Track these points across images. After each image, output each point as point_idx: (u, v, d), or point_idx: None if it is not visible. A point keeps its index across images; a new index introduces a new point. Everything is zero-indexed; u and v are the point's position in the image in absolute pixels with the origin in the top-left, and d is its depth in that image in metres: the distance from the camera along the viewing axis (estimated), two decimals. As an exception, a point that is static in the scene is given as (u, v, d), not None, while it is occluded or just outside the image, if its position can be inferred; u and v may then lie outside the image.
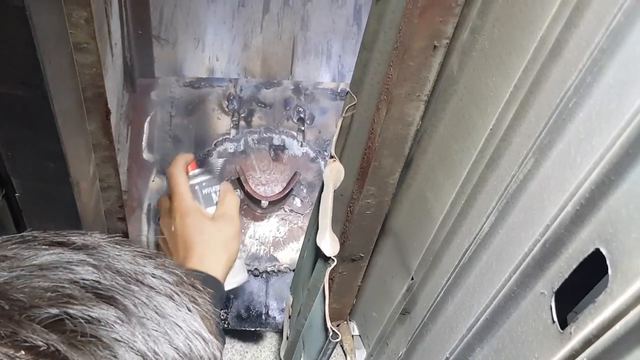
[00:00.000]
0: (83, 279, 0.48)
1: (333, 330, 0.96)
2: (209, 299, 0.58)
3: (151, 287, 0.52)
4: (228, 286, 1.41)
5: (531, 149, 0.78)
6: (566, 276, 0.69)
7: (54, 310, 0.45)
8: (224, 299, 1.38)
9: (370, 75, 1.04)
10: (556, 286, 0.71)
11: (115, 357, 0.45)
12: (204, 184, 1.47)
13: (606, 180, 0.61)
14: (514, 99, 0.83)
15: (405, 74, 0.94)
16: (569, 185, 0.68)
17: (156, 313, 0.50)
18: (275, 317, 1.65)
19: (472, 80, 0.94)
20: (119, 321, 0.47)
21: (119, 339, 0.46)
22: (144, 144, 1.79)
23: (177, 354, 0.50)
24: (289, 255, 1.73)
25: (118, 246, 0.54)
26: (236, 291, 1.59)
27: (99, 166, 1.10)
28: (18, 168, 0.94)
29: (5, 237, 0.53)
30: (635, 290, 0.57)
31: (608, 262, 0.60)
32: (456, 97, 0.98)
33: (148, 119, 1.82)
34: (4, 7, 0.71)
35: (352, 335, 1.65)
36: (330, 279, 1.08)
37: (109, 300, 0.48)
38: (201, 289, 0.58)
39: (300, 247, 1.50)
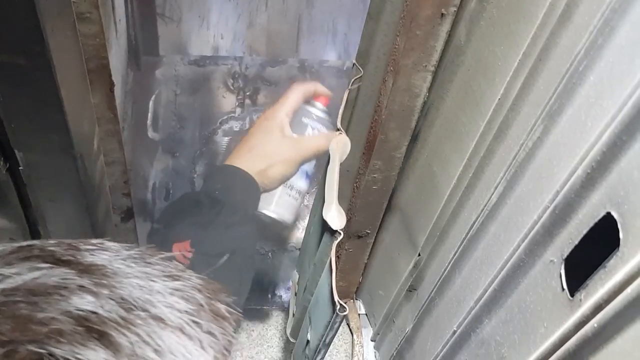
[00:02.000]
0: (77, 309, 0.43)
1: (340, 304, 0.96)
2: (232, 330, 0.53)
3: (159, 318, 0.46)
4: (263, 209, 1.39)
5: (540, 116, 0.77)
6: (576, 242, 0.68)
7: (36, 348, 0.40)
8: (257, 203, 1.32)
9: (376, 46, 1.02)
10: (566, 253, 0.70)
11: None
12: (314, 116, 1.42)
13: (618, 141, 0.60)
14: (523, 67, 0.82)
15: (412, 44, 0.93)
16: (579, 149, 0.67)
17: (155, 352, 0.44)
18: (281, 296, 1.64)
19: (480, 49, 0.92)
20: None
21: None
22: (148, 122, 1.78)
23: None
24: (295, 233, 1.72)
25: (133, 264, 0.49)
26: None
27: (103, 140, 1.09)
28: (21, 140, 0.93)
29: (6, 245, 0.48)
30: (647, 253, 0.56)
31: (619, 226, 0.59)
32: (464, 68, 0.97)
33: (153, 98, 1.81)
34: (5, -27, 0.70)
35: (359, 314, 1.64)
36: (336, 256, 1.07)
37: (101, 337, 0.42)
38: (225, 314, 0.53)
39: (306, 225, 1.49)
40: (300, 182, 1.42)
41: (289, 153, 1.34)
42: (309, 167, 1.43)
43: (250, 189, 1.28)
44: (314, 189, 1.75)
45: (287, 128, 1.36)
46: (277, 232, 1.66)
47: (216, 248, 1.20)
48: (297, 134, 1.39)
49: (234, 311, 0.54)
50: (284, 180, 1.36)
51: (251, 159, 1.30)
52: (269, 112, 1.37)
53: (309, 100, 1.45)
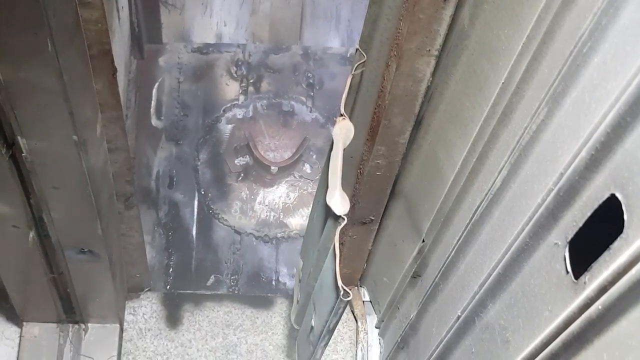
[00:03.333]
0: None
1: (344, 289, 0.95)
2: None
3: None
4: None
5: (544, 99, 0.77)
6: (580, 225, 0.68)
7: None
8: None
9: (379, 31, 1.02)
10: (570, 236, 0.70)
11: None
12: None
13: (622, 122, 0.59)
14: (527, 50, 0.82)
15: (416, 28, 0.93)
16: (583, 131, 0.67)
17: None
18: (285, 283, 1.64)
19: (483, 33, 0.92)
20: None
21: None
22: (152, 110, 1.78)
23: None
24: (299, 221, 1.72)
25: None
26: (246, 257, 1.54)
27: (106, 127, 1.09)
28: (24, 126, 0.93)
29: None
30: (651, 234, 0.56)
31: (624, 207, 0.59)
32: (467, 52, 0.97)
33: (156, 85, 1.81)
34: (6, -43, 0.70)
35: (363, 301, 1.64)
36: (340, 243, 1.07)
37: None
38: None
39: (310, 212, 1.49)
40: None
41: None
42: None
43: None
44: (317, 177, 1.75)
45: None
46: None
47: None
48: None
49: None
50: None
51: None
52: None
53: None
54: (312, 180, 1.75)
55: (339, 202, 1.00)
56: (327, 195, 1.01)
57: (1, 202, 1.07)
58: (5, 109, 0.90)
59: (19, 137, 0.95)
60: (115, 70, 1.00)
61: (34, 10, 0.75)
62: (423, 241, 1.23)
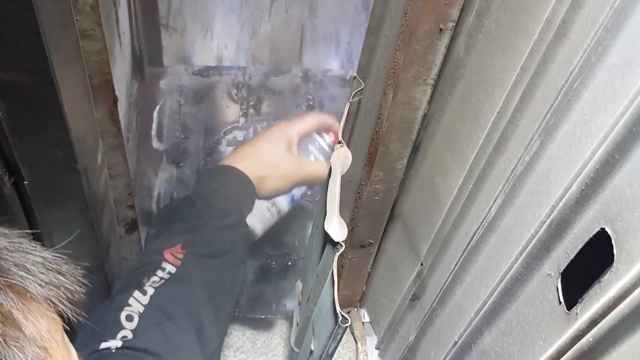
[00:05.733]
0: None
1: (342, 315, 0.96)
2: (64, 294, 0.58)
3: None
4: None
5: (537, 130, 0.78)
6: (572, 257, 0.69)
7: None
8: (252, 206, 1.35)
9: (376, 59, 1.03)
10: (562, 267, 0.71)
11: None
12: (320, 147, 1.48)
13: (610, 159, 0.61)
14: (521, 81, 0.83)
15: (412, 58, 0.94)
16: (574, 165, 0.68)
17: None
18: (285, 305, 1.65)
19: (478, 63, 0.93)
20: None
21: None
22: (153, 132, 1.79)
23: None
24: (299, 243, 1.73)
25: None
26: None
27: (107, 154, 1.10)
28: (26, 155, 0.94)
29: None
30: (640, 269, 0.57)
31: (613, 241, 0.60)
32: (463, 81, 0.98)
33: (157, 108, 1.82)
34: (9, -6, 0.71)
35: (363, 322, 1.65)
36: (339, 265, 1.08)
37: None
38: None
39: (309, 235, 1.50)
40: (283, 203, 1.41)
41: (290, 169, 1.37)
42: (298, 191, 1.43)
43: (248, 191, 1.30)
44: (317, 198, 1.75)
45: (294, 146, 1.39)
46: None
47: (207, 250, 1.21)
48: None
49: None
50: (277, 194, 1.37)
51: (253, 164, 1.32)
52: (283, 125, 1.41)
53: (320, 131, 1.49)
54: (312, 202, 1.76)
55: (337, 229, 1.01)
56: (325, 222, 1.02)
57: (4, 228, 1.08)
58: (8, 138, 0.91)
59: (21, 166, 0.96)
60: (116, 99, 1.02)
61: (37, 45, 0.77)
62: (421, 264, 1.24)
